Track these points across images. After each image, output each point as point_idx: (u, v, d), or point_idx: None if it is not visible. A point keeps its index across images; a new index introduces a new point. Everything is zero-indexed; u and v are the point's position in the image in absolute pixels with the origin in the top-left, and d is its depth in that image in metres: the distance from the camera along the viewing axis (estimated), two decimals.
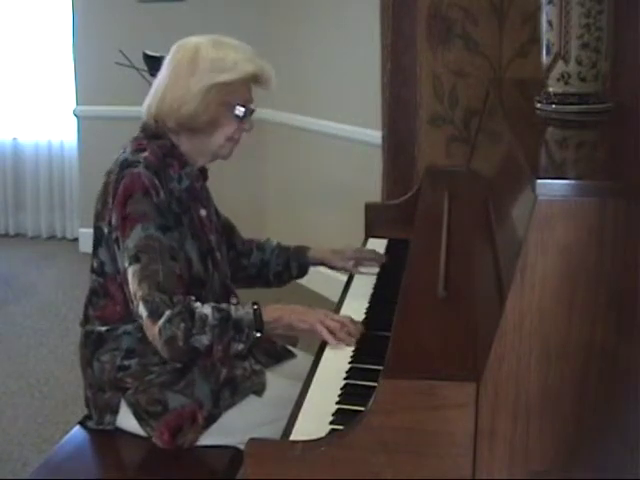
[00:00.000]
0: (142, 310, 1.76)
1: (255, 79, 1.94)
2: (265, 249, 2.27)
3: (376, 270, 2.29)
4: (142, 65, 3.85)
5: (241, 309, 1.82)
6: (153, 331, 1.75)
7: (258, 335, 1.81)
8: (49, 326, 4.06)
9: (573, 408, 1.25)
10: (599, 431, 1.25)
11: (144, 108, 1.96)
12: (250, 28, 4.43)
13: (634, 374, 1.23)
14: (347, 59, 4.01)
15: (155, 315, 1.74)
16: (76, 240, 5.30)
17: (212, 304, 1.80)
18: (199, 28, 4.85)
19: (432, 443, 1.28)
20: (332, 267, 2.34)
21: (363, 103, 3.77)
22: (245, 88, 1.94)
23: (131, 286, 1.78)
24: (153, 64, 3.63)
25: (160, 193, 1.83)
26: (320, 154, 4.30)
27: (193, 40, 1.95)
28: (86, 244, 5.01)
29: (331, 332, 1.82)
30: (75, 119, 5.10)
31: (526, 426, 1.26)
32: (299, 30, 4.36)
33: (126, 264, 1.79)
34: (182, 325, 1.74)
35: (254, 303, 1.85)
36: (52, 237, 5.52)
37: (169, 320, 1.73)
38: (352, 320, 1.89)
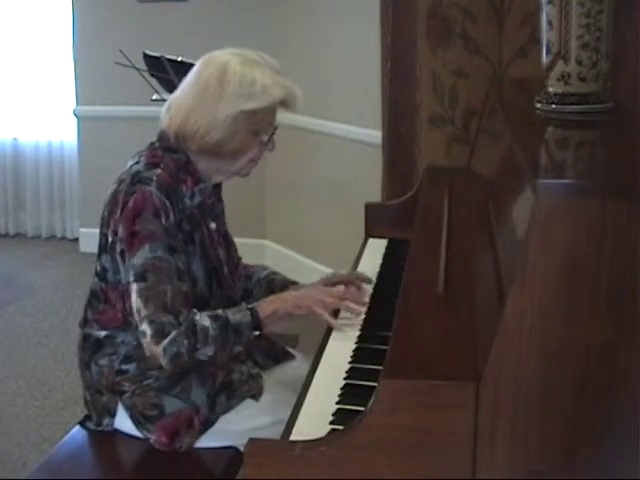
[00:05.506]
0: (146, 328, 1.76)
1: (283, 104, 1.89)
2: (252, 278, 2.16)
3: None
4: (142, 65, 3.84)
5: (237, 312, 1.81)
6: (155, 350, 1.77)
7: (257, 333, 1.81)
8: (49, 326, 4.06)
9: (573, 408, 1.25)
10: (599, 431, 1.25)
11: (165, 116, 1.89)
12: (250, 28, 4.43)
13: (634, 374, 1.23)
14: (347, 59, 4.01)
15: (160, 335, 1.75)
16: (76, 240, 5.30)
17: (209, 313, 1.79)
18: (199, 28, 4.88)
19: (432, 443, 1.28)
20: None
21: (363, 103, 3.76)
22: (272, 114, 1.90)
23: (134, 303, 1.78)
24: (153, 64, 3.61)
25: (170, 215, 1.80)
26: (320, 154, 4.30)
27: (222, 56, 1.87)
28: (86, 244, 5.02)
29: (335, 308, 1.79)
30: (75, 119, 5.10)
31: (526, 426, 1.26)
32: (299, 30, 4.36)
33: (130, 279, 1.78)
34: (186, 342, 1.75)
35: (248, 304, 1.85)
36: (52, 237, 5.51)
37: (174, 339, 1.75)
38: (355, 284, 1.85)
